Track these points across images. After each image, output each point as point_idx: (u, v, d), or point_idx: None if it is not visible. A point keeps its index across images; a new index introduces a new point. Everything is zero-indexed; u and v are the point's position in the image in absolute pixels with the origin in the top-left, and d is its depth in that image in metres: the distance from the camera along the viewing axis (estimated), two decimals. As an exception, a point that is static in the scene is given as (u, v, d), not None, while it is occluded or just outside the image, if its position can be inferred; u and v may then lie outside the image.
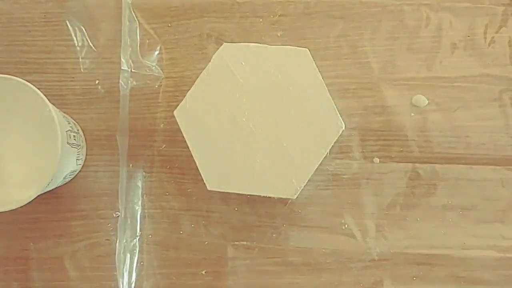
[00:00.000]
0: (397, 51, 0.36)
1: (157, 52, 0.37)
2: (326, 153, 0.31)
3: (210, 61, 0.32)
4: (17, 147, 0.35)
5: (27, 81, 0.30)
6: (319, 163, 0.31)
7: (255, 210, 0.35)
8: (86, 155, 0.36)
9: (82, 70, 0.37)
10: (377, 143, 0.35)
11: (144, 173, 0.36)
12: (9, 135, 0.35)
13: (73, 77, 0.37)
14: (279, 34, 0.36)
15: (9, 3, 0.37)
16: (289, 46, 0.32)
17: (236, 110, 0.32)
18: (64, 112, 0.35)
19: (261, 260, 0.35)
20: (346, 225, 0.35)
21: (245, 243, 0.35)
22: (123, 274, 0.35)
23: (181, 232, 0.36)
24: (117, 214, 0.35)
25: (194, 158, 0.31)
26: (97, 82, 0.37)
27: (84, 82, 0.37)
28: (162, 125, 0.36)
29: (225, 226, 0.35)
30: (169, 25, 0.37)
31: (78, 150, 0.34)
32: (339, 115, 0.31)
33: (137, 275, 0.35)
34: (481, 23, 0.36)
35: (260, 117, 0.31)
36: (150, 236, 0.36)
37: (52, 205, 0.36)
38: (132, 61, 0.37)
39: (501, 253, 0.34)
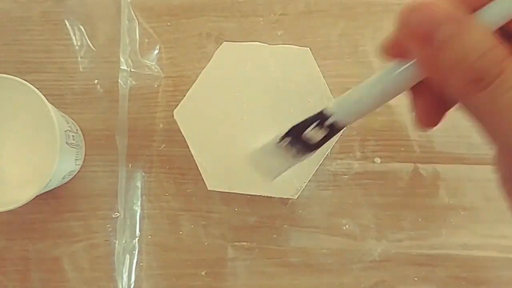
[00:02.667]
0: (398, 51, 0.36)
1: (156, 52, 0.37)
2: (327, 153, 0.31)
3: (210, 60, 0.32)
4: (16, 147, 0.35)
5: (25, 80, 0.30)
6: (320, 163, 0.31)
7: (255, 211, 0.35)
8: (85, 155, 0.36)
9: (81, 69, 0.37)
10: (378, 143, 0.35)
11: (143, 173, 0.36)
12: (8, 135, 0.35)
13: (72, 77, 0.37)
14: (279, 33, 0.36)
15: (8, 2, 0.37)
16: (290, 45, 0.32)
17: (236, 109, 0.31)
18: (63, 112, 0.35)
19: (261, 261, 0.35)
20: (347, 226, 0.35)
21: (245, 243, 0.35)
22: (122, 275, 0.35)
23: (181, 232, 0.35)
24: (116, 214, 0.35)
25: (194, 158, 0.31)
26: (96, 81, 0.37)
27: (83, 81, 0.37)
28: (161, 125, 0.36)
29: (225, 226, 0.35)
30: (169, 24, 0.37)
31: (77, 150, 0.34)
32: (340, 114, 0.31)
33: (136, 276, 0.35)
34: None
35: (260, 116, 0.31)
36: (150, 236, 0.35)
37: (51, 205, 0.36)
38: (131, 61, 0.36)
39: (503, 254, 0.34)
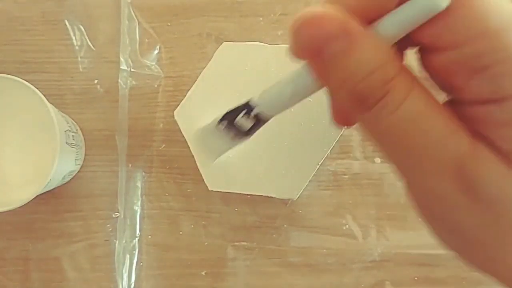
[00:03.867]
0: (398, 51, 0.36)
1: (156, 52, 0.37)
2: (327, 153, 0.31)
3: (210, 60, 0.32)
4: (16, 147, 0.35)
5: (26, 80, 0.30)
6: (320, 163, 0.31)
7: (256, 211, 0.35)
8: (85, 155, 0.36)
9: (81, 69, 0.37)
10: (378, 143, 0.35)
11: (143, 173, 0.36)
12: (8, 135, 0.35)
13: (72, 77, 0.37)
14: (279, 33, 0.36)
15: (8, 3, 0.37)
16: (289, 45, 0.32)
17: (236, 109, 0.31)
18: (63, 112, 0.35)
19: (261, 261, 0.35)
20: (347, 226, 0.35)
21: (245, 243, 0.35)
22: (122, 275, 0.35)
23: (181, 232, 0.35)
24: (116, 214, 0.35)
25: (195, 158, 0.31)
26: (96, 81, 0.37)
27: (83, 81, 0.37)
28: (161, 125, 0.36)
29: (225, 226, 0.35)
30: (169, 24, 0.37)
31: (77, 150, 0.34)
32: (340, 114, 0.31)
33: (136, 276, 0.35)
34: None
35: (260, 116, 0.31)
36: (150, 236, 0.35)
37: (51, 205, 0.36)
38: (131, 61, 0.36)
39: (503, 254, 0.34)
